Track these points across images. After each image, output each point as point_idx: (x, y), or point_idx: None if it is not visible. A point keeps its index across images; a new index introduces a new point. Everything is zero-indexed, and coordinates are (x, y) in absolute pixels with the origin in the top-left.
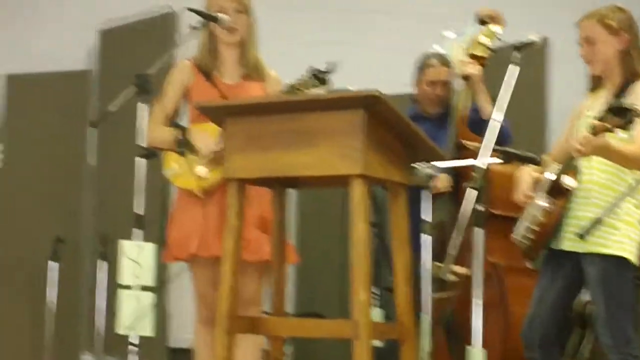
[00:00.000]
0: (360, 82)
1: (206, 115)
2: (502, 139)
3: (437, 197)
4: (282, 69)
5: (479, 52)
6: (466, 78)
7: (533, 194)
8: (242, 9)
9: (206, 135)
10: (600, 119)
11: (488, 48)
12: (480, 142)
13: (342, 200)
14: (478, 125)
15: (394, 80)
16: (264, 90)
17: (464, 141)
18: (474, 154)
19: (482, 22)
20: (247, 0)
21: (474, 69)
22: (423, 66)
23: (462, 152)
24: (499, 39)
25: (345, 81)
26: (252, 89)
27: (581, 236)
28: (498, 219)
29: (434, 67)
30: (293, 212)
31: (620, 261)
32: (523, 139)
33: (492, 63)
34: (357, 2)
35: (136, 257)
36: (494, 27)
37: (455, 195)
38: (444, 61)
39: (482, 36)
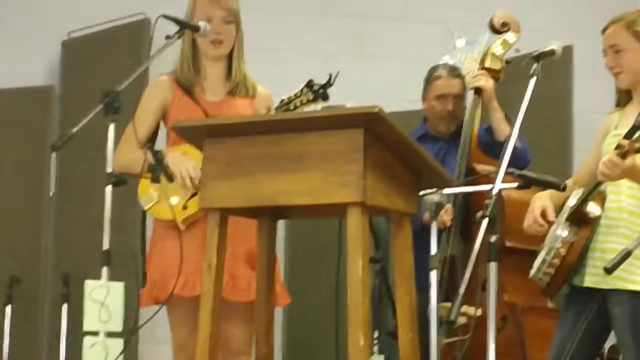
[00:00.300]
0: (360, 97)
1: (183, 137)
2: (520, 161)
3: (444, 228)
4: (274, 80)
5: (492, 65)
6: (478, 92)
7: (544, 223)
8: (232, 19)
9: (185, 159)
10: (628, 137)
11: (502, 60)
12: (494, 165)
13: (339, 233)
14: (490, 146)
15: (400, 95)
16: (252, 107)
17: (475, 165)
18: (487, 180)
19: (496, 31)
20: (236, 9)
21: (487, 83)
22: (431, 79)
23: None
24: (515, 49)
25: (343, 96)
26: (239, 107)
27: (607, 270)
28: (514, 252)
29: (443, 79)
30: (282, 246)
31: None
32: (546, 160)
33: (508, 75)
34: (359, 7)
35: (103, 298)
36: (508, 36)
37: (465, 227)
38: (455, 73)
39: (496, 46)
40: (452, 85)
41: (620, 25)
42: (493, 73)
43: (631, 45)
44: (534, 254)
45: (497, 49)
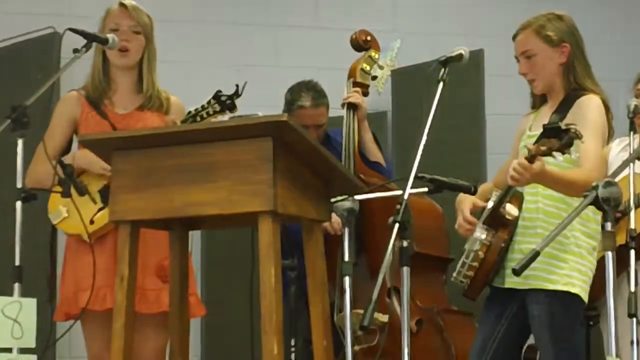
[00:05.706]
0: (276, 107)
1: (92, 150)
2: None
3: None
4: (185, 92)
5: (362, 79)
6: (353, 108)
7: (473, 221)
8: (140, 30)
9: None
10: (536, 142)
11: (370, 75)
12: (379, 178)
13: (252, 242)
14: (366, 162)
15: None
16: (161, 120)
17: (362, 176)
18: (384, 189)
19: (360, 47)
20: (147, 22)
21: (362, 101)
22: (294, 107)
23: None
24: (379, 66)
25: (258, 106)
26: (147, 120)
27: (515, 271)
28: (422, 258)
29: (307, 109)
30: (199, 256)
31: (569, 298)
32: (459, 165)
33: (422, 81)
34: (270, 16)
35: (16, 315)
36: (371, 52)
37: (360, 234)
38: (319, 100)
39: (363, 62)
40: (316, 115)
41: (530, 30)
42: (364, 88)
43: (542, 49)
44: (440, 260)
45: (364, 64)
